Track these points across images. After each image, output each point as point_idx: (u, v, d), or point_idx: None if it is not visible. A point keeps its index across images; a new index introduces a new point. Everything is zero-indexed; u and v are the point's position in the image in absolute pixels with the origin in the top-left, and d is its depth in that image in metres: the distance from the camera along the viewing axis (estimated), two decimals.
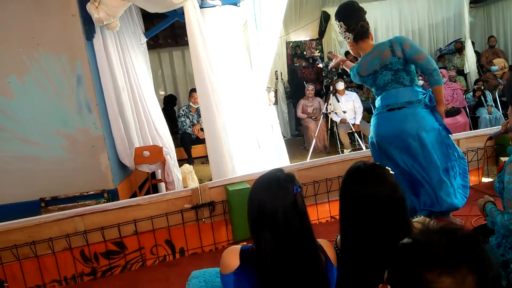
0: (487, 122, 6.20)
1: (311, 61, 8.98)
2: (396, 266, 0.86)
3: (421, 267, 0.79)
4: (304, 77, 8.49)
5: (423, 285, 0.78)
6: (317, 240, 1.51)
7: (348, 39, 2.85)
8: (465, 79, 7.86)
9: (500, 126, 2.47)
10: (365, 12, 2.82)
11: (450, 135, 2.81)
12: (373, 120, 2.95)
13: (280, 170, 1.52)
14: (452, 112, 6.19)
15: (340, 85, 6.53)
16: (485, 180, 3.90)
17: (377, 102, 2.92)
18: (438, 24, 9.30)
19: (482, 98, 6.52)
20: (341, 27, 2.82)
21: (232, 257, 1.46)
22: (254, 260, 1.42)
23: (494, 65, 7.31)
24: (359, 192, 1.47)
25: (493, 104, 6.53)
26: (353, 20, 2.77)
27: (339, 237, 1.69)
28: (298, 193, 1.43)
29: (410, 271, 0.81)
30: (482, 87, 6.68)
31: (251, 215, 1.45)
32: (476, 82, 6.96)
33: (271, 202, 1.40)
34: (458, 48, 8.40)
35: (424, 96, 2.79)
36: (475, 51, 8.18)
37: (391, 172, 1.54)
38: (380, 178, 1.49)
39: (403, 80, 2.77)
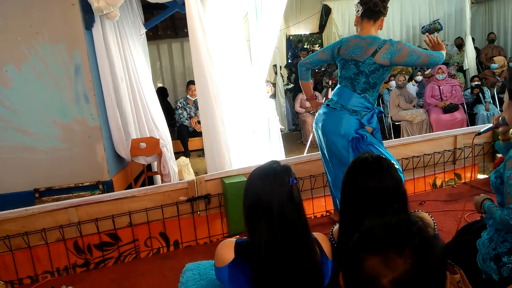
0: (484, 119, 6.20)
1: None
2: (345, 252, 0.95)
3: (358, 249, 0.88)
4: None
5: (357, 261, 0.86)
6: (313, 233, 1.50)
7: (357, 11, 2.68)
8: (464, 75, 7.85)
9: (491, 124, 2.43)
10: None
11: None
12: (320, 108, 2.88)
13: (276, 162, 1.51)
14: (450, 109, 6.18)
15: None
16: (480, 176, 3.92)
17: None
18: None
19: (480, 95, 6.51)
20: None
21: (227, 250, 1.45)
22: (249, 252, 1.41)
23: (494, 63, 7.29)
24: (364, 183, 1.46)
25: (491, 101, 6.53)
26: None
27: (335, 228, 1.68)
28: (293, 185, 1.42)
29: (349, 252, 0.91)
30: (479, 83, 6.66)
31: (247, 206, 1.44)
32: (472, 78, 6.94)
33: (267, 193, 1.39)
34: (458, 44, 8.38)
35: (365, 111, 2.66)
36: (475, 48, 8.16)
37: (396, 166, 1.53)
38: (386, 171, 1.48)
39: (356, 84, 2.64)
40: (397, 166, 1.57)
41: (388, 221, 0.91)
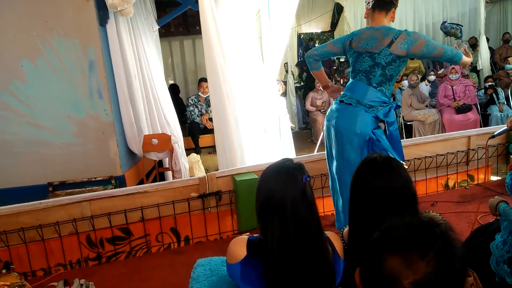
0: (498, 120, 6.11)
1: None
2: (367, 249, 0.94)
3: (380, 248, 0.88)
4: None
5: (378, 260, 0.86)
6: (325, 232, 1.50)
7: (367, 4, 2.56)
8: (478, 75, 7.75)
9: (505, 125, 2.39)
10: None
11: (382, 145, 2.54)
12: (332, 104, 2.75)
13: (289, 160, 1.51)
14: (464, 109, 6.11)
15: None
16: (493, 178, 3.88)
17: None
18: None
19: (494, 96, 6.42)
20: None
21: (239, 247, 1.46)
22: (261, 250, 1.42)
23: (509, 64, 7.18)
24: (373, 183, 1.45)
25: (505, 102, 6.44)
26: None
27: (345, 229, 1.67)
28: (306, 182, 1.42)
29: (370, 250, 0.90)
30: (493, 84, 6.58)
31: (259, 203, 1.44)
32: (486, 79, 6.86)
33: (280, 190, 1.39)
34: (472, 44, 8.28)
35: (382, 106, 2.53)
36: (489, 48, 8.05)
37: (405, 166, 1.52)
38: (395, 171, 1.47)
39: (372, 77, 2.51)
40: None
41: (411, 221, 0.90)
